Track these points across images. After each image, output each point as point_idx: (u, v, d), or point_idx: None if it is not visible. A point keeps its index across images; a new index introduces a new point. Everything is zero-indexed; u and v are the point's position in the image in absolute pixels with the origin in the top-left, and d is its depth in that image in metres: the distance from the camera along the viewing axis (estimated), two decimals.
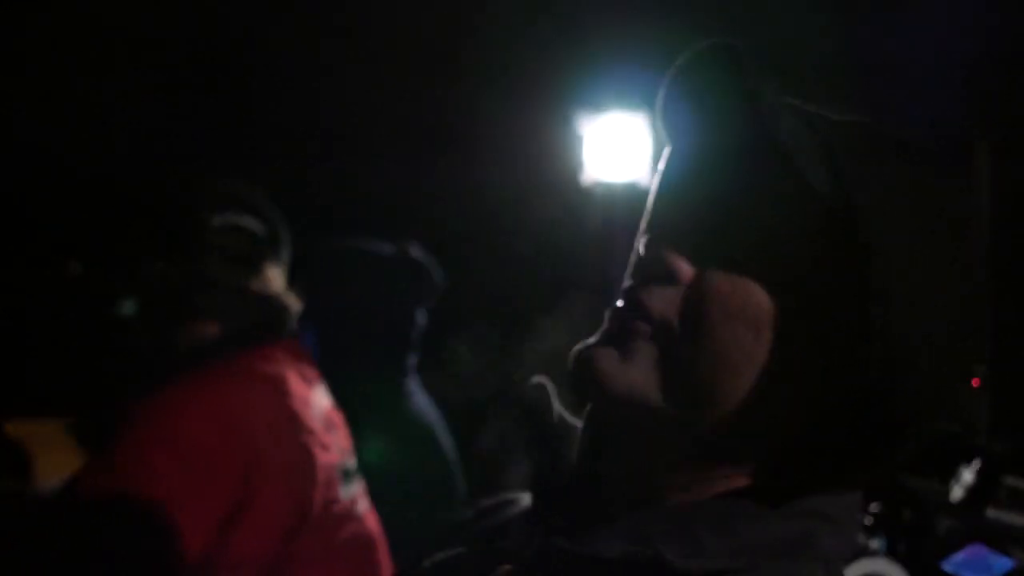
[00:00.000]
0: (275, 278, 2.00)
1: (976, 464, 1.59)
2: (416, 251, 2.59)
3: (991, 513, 1.55)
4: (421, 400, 2.65)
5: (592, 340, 0.80)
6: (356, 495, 2.01)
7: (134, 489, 1.58)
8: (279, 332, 1.94)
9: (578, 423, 0.89)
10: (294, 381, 1.89)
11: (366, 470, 2.04)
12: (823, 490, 0.76)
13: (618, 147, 4.21)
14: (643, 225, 0.83)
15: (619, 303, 0.81)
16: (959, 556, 1.47)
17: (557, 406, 0.92)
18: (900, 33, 3.62)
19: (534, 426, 0.92)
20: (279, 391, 1.83)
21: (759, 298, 0.73)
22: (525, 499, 1.00)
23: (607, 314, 0.82)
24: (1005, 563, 1.44)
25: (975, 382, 1.48)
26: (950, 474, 1.60)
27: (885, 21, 3.67)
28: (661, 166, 0.85)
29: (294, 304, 2.01)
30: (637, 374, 0.76)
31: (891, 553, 1.52)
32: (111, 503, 1.57)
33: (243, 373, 1.82)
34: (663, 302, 0.77)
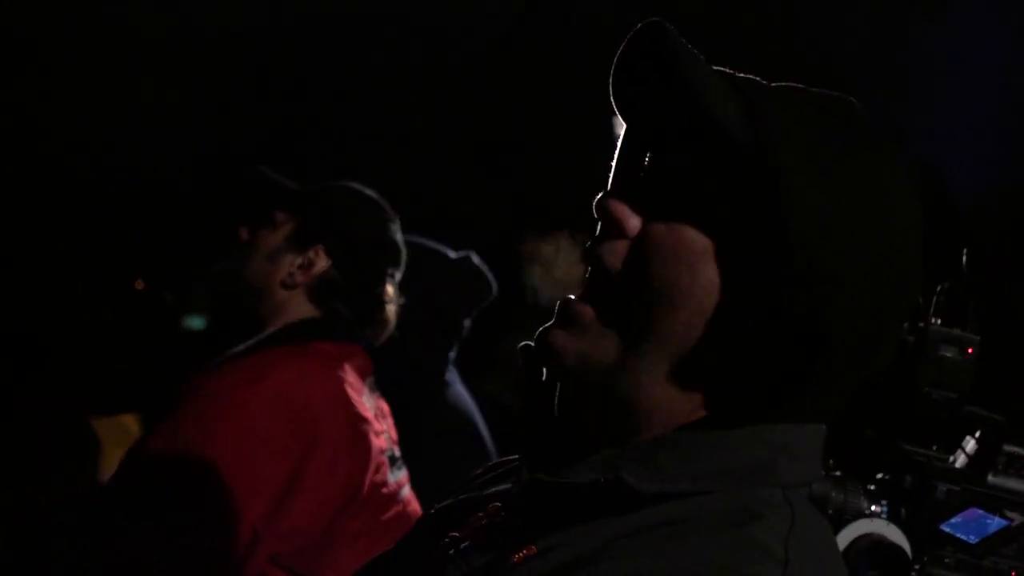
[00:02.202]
0: (391, 293, 2.15)
1: (978, 433, 1.66)
2: (476, 259, 2.72)
3: (991, 479, 1.61)
4: (459, 390, 2.77)
5: (540, 330, 0.92)
6: (402, 480, 2.13)
7: (195, 456, 1.71)
8: (353, 335, 2.07)
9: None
10: (351, 372, 2.02)
11: (405, 454, 2.16)
12: (783, 420, 0.85)
13: None
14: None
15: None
16: (956, 519, 1.54)
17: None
18: (946, 38, 3.63)
19: (523, 383, 1.03)
20: (339, 379, 1.96)
21: (694, 240, 0.84)
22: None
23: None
24: (999, 523, 1.50)
25: (969, 351, 1.55)
26: (953, 443, 1.67)
27: (933, 26, 3.69)
28: (618, 142, 0.96)
29: (391, 320, 2.14)
30: (584, 339, 0.86)
31: (892, 517, 1.59)
32: (171, 468, 1.70)
33: (308, 359, 1.95)
34: (612, 254, 0.87)
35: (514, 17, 3.96)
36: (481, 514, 0.96)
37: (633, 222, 0.86)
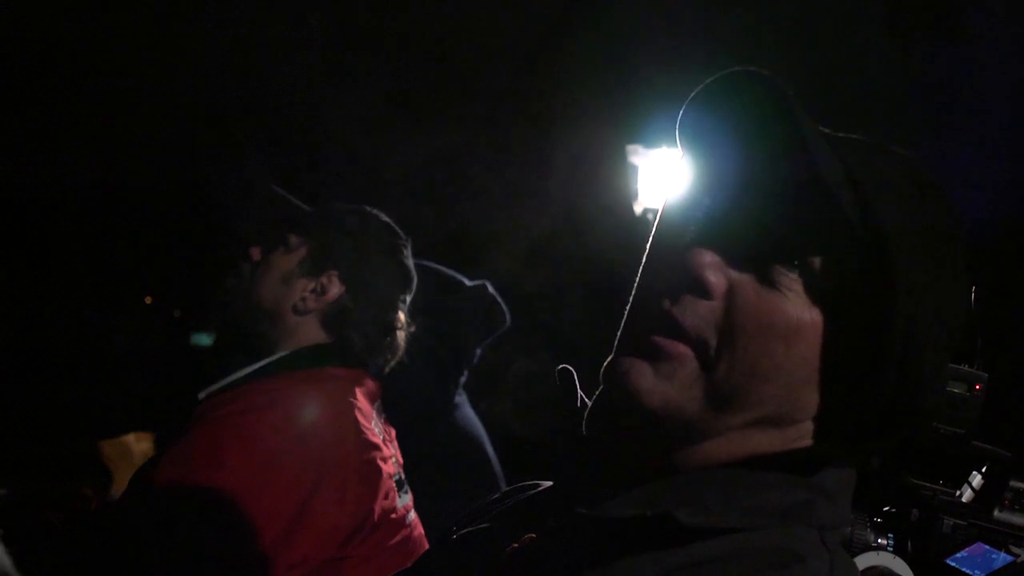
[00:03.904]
0: (403, 317, 2.14)
1: (985, 468, 1.66)
2: (491, 288, 2.72)
3: (998, 514, 1.61)
4: (467, 413, 2.77)
5: (618, 351, 0.89)
6: (408, 504, 2.12)
7: (205, 483, 1.70)
8: (363, 360, 2.06)
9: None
10: (361, 398, 2.01)
11: (414, 475, 2.16)
12: (823, 464, 0.86)
13: (667, 178, 4.36)
14: (659, 234, 0.92)
15: (639, 308, 0.89)
16: (962, 553, 1.54)
17: (580, 391, 1.02)
18: (962, 58, 3.62)
19: (560, 408, 1.02)
20: (349, 405, 1.95)
21: (788, 312, 0.82)
22: (544, 484, 1.10)
23: (627, 319, 0.90)
24: (1005, 558, 1.51)
25: (976, 387, 1.55)
26: (960, 478, 1.67)
27: (947, 47, 3.68)
28: (682, 177, 0.92)
29: (401, 346, 2.13)
30: (674, 391, 0.84)
31: (898, 551, 1.59)
32: (181, 494, 1.69)
33: (319, 384, 1.94)
34: (698, 317, 0.83)
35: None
36: (516, 544, 0.96)
37: (718, 281, 0.83)
